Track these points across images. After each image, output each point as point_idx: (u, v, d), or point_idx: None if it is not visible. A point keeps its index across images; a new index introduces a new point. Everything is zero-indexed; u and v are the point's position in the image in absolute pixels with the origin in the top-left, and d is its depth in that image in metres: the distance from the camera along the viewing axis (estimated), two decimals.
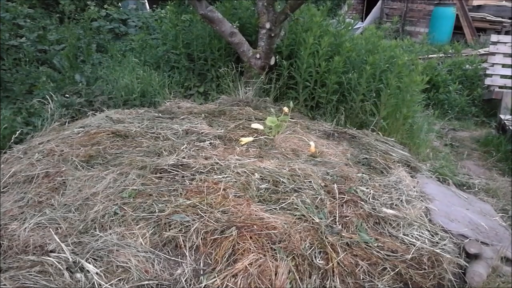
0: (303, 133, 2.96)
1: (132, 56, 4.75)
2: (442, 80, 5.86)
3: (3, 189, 2.21)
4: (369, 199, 2.20)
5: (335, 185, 2.23)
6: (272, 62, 3.98)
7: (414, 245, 1.89)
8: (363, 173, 2.51)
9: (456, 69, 6.16)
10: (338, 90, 3.79)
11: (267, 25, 3.62)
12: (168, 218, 1.85)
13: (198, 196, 2.02)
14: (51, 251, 1.69)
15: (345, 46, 3.80)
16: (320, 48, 3.67)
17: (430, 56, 6.86)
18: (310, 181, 2.24)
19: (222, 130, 2.91)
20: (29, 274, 1.53)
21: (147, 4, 10.31)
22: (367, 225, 1.99)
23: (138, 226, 1.83)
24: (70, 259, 1.61)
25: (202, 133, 2.80)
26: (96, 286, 1.51)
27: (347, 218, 1.99)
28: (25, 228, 1.83)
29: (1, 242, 1.76)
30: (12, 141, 2.92)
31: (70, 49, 5.58)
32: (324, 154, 2.73)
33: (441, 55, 7.01)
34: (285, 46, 3.99)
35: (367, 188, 2.29)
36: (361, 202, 2.14)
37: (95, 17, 6.82)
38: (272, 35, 3.63)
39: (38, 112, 3.51)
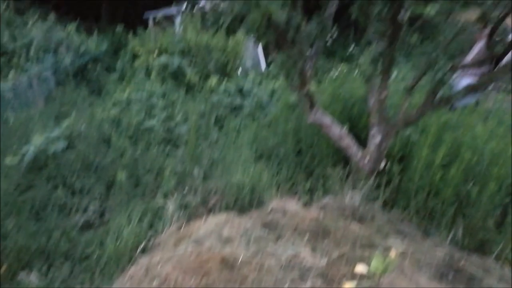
0: (412, 273, 2.77)
1: (247, 145, 5.04)
2: None
3: None
4: None
5: None
6: (382, 166, 3.85)
7: None
8: None
9: None
10: (455, 201, 3.49)
11: (377, 138, 3.53)
12: None
13: None
14: None
15: (464, 154, 3.50)
16: (434, 159, 3.44)
17: None
18: None
19: (326, 260, 2.88)
20: None
21: (262, 63, 10.90)
22: None
23: None
24: None
25: (305, 266, 2.81)
26: None
27: None
28: None
29: None
30: (138, 251, 3.32)
31: (193, 126, 6.19)
32: None
33: None
34: (396, 149, 3.83)
35: None
36: None
37: (215, 89, 7.46)
38: (382, 147, 3.53)
39: (160, 213, 3.94)
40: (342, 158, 4.19)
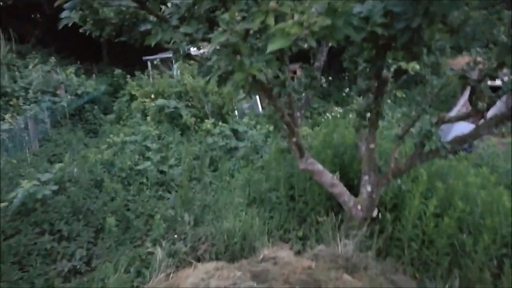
0: None
1: (240, 188, 5.01)
2: None
3: None
4: None
5: None
6: (375, 214, 3.80)
7: None
8: None
9: None
10: (449, 252, 3.42)
11: (368, 188, 3.51)
12: None
13: None
14: None
15: (456, 203, 3.47)
16: (427, 209, 3.40)
17: None
18: None
19: None
20: None
21: (259, 105, 11.04)
22: None
23: None
24: None
25: None
26: None
27: None
28: None
29: None
30: None
31: (187, 169, 6.16)
32: None
33: None
34: (388, 198, 3.80)
35: None
36: None
37: (210, 131, 7.50)
38: (374, 196, 3.51)
39: (148, 260, 3.84)
40: (335, 205, 4.15)
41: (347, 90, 12.26)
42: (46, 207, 4.25)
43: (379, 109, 2.80)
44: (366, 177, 3.77)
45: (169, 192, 5.71)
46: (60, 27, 1.84)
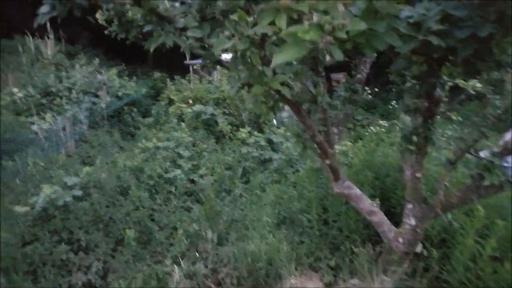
0: None
1: (270, 205, 4.66)
2: None
3: None
4: None
5: None
6: (419, 249, 3.31)
7: None
8: None
9: None
10: None
11: (412, 221, 3.05)
12: None
13: None
14: None
15: None
16: (483, 250, 2.89)
17: None
18: None
19: None
20: None
21: None
22: None
23: None
24: None
25: None
26: None
27: None
28: None
29: None
30: None
31: (217, 179, 5.89)
32: None
33: None
34: (436, 231, 3.31)
35: None
36: None
37: (246, 140, 7.22)
38: (418, 230, 3.03)
39: (165, 279, 3.58)
40: (373, 234, 3.70)
41: (393, 102, 11.58)
42: (67, 214, 4.10)
43: (429, 133, 2.36)
44: (410, 206, 3.30)
45: (198, 203, 5.46)
46: (36, 24, 1.60)
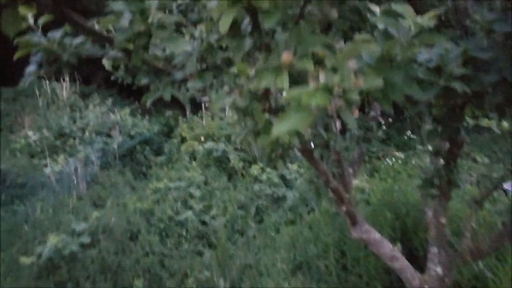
0: None
1: (284, 248, 4.43)
2: None
3: None
4: None
5: None
6: None
7: None
8: None
9: None
10: None
11: (438, 268, 2.81)
12: None
13: None
14: None
15: None
16: None
17: None
18: None
19: None
20: None
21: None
22: None
23: None
24: None
25: None
26: None
27: None
28: None
29: None
30: None
31: (229, 220, 5.71)
32: None
33: None
34: (466, 278, 3.05)
35: None
36: None
37: (258, 177, 7.06)
38: (446, 280, 2.79)
39: None
40: (395, 280, 3.45)
41: (408, 133, 11.34)
42: (74, 262, 3.95)
43: (452, 177, 2.18)
44: (434, 250, 3.06)
45: (210, 246, 5.26)
46: (22, 84, 1.54)
